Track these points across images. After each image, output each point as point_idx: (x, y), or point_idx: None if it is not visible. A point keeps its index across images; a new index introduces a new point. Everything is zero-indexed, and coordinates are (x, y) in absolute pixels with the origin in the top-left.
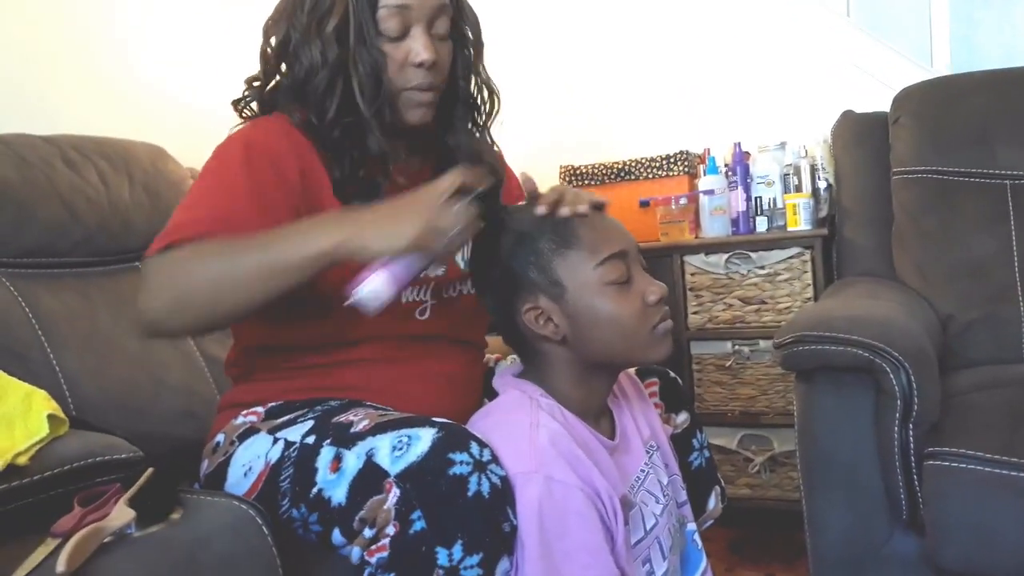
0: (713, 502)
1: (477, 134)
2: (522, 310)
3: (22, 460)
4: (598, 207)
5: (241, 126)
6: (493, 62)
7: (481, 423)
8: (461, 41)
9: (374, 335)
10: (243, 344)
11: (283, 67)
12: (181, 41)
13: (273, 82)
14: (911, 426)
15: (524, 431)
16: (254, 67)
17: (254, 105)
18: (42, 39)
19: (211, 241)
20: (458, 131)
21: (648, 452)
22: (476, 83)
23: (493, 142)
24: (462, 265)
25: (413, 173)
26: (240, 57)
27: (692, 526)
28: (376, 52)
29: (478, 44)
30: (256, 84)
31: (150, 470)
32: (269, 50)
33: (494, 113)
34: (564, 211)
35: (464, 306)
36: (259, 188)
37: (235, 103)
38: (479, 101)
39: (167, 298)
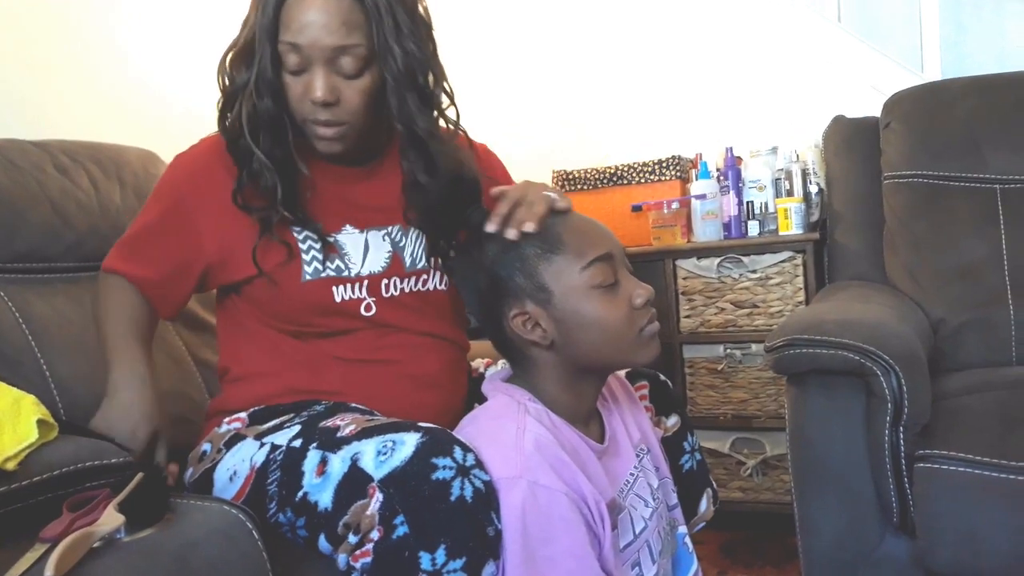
0: (705, 504)
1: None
2: (509, 316)
3: (11, 465)
4: (561, 211)
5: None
6: (485, 67)
7: (469, 428)
8: (381, 79)
9: (329, 331)
10: (228, 324)
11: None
12: (177, 45)
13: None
14: (902, 429)
15: (511, 436)
16: None
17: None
18: (34, 44)
19: (110, 293)
20: (411, 163)
21: (638, 455)
22: (429, 92)
23: (471, 141)
24: (407, 262)
25: (376, 169)
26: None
27: (683, 529)
28: (273, 81)
29: (424, 54)
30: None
31: (140, 475)
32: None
33: (454, 115)
34: (510, 234)
35: (417, 303)
36: (163, 220)
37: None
38: (436, 109)
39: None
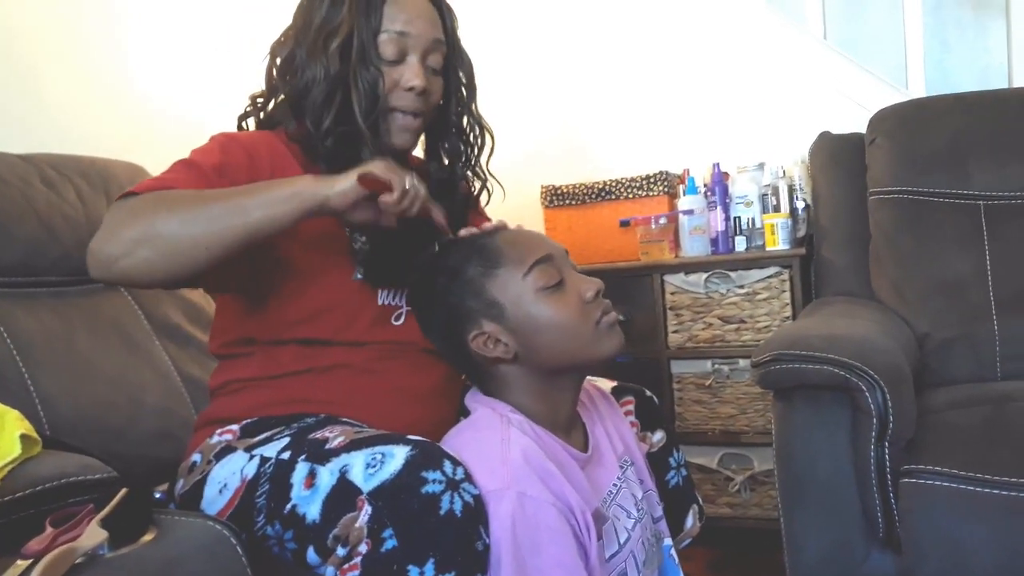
0: (691, 520)
1: (466, 169)
2: (469, 339)
3: None
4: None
5: None
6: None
7: (453, 441)
8: (454, 79)
9: (349, 340)
10: (224, 339)
11: (282, 83)
12: (172, 57)
13: (275, 100)
14: (887, 444)
15: (495, 448)
16: (243, 88)
17: (251, 121)
18: (22, 57)
19: (173, 191)
20: (451, 163)
21: (622, 467)
22: (468, 121)
23: (486, 177)
24: None
25: None
26: (229, 74)
27: (669, 541)
28: (375, 70)
29: (471, 85)
30: (259, 101)
31: (124, 490)
32: (275, 69)
33: (487, 150)
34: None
35: None
36: (227, 169)
37: (240, 118)
38: (471, 137)
39: (131, 231)
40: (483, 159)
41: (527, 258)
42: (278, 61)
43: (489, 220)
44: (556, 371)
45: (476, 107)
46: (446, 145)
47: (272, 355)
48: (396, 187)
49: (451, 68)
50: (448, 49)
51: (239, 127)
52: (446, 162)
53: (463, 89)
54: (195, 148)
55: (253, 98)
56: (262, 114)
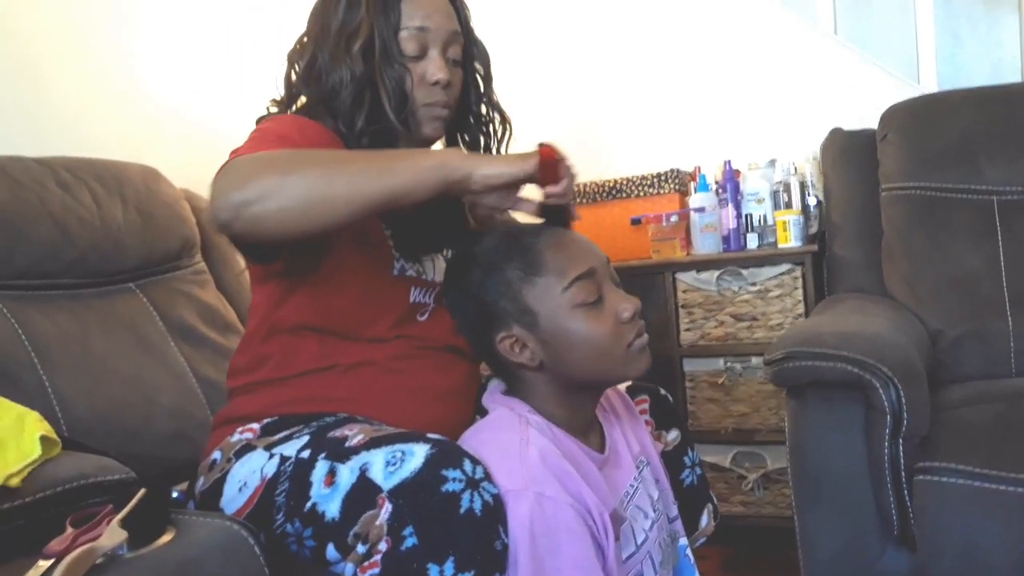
0: (705, 519)
1: None
2: (497, 340)
3: (14, 482)
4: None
5: None
6: None
7: (471, 440)
8: (472, 70)
9: (374, 336)
10: (255, 335)
11: (306, 89)
12: (184, 61)
13: (295, 104)
14: (901, 441)
15: (514, 448)
16: (255, 91)
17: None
18: (37, 61)
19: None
20: (474, 150)
21: (638, 467)
22: (487, 110)
23: None
24: None
25: None
26: (238, 76)
27: (684, 541)
28: (400, 68)
29: (488, 75)
30: (279, 106)
31: (142, 491)
32: (294, 75)
33: (506, 138)
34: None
35: None
36: (315, 146)
37: (259, 121)
38: (491, 128)
39: (268, 179)
40: (503, 148)
41: (570, 271)
42: (297, 68)
43: None
44: (579, 385)
45: (495, 95)
46: (467, 136)
47: (294, 348)
48: (567, 175)
49: (469, 59)
50: (465, 40)
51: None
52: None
53: (480, 79)
54: (266, 124)
55: (275, 103)
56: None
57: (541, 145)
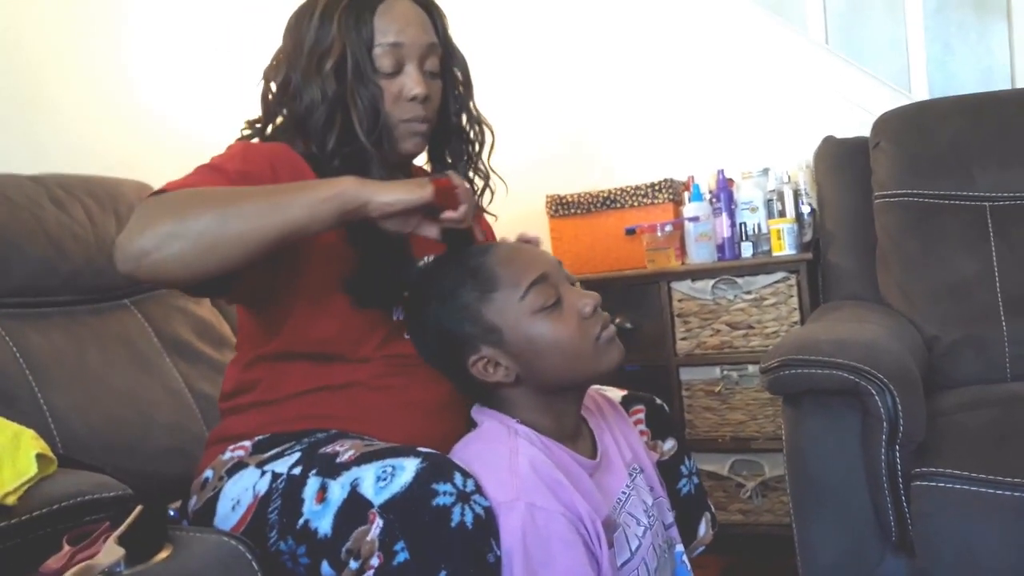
0: (703, 528)
1: (470, 168)
2: (469, 364)
3: (11, 500)
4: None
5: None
6: (479, 92)
7: (461, 453)
8: (451, 80)
9: (360, 356)
10: (241, 360)
11: (283, 108)
12: (174, 75)
13: (273, 124)
14: (898, 447)
15: (504, 459)
16: (250, 105)
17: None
18: (31, 78)
19: (207, 188)
20: (451, 165)
21: (631, 475)
22: (467, 119)
23: (489, 175)
24: None
25: None
26: (235, 92)
27: (680, 548)
28: (373, 87)
29: (467, 83)
30: (257, 126)
31: (139, 508)
32: (270, 95)
33: (488, 146)
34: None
35: None
36: (251, 176)
37: (239, 142)
38: (471, 136)
39: (164, 225)
40: (484, 156)
41: (523, 279)
42: (273, 86)
43: (485, 220)
44: (559, 389)
45: (474, 104)
46: (448, 147)
47: (281, 372)
48: (465, 200)
49: (447, 69)
50: (443, 50)
51: None
52: (450, 163)
53: (460, 87)
54: (216, 155)
55: (250, 124)
56: (262, 136)
57: (438, 175)
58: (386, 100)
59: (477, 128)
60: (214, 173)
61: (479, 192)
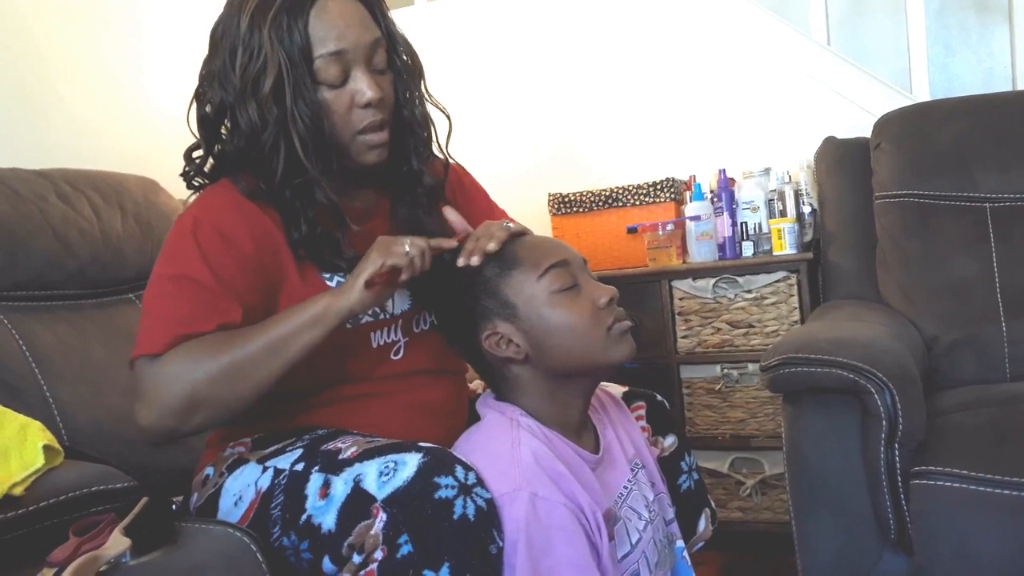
0: (703, 524)
1: (428, 159)
2: (483, 338)
3: (18, 491)
4: (517, 235)
5: (192, 198)
6: (481, 92)
7: (463, 445)
8: (398, 71)
9: (352, 377)
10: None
11: (216, 138)
12: (178, 73)
13: (216, 148)
14: (897, 446)
15: (506, 451)
16: None
17: (197, 179)
18: (38, 72)
19: (199, 340)
20: (408, 158)
21: (633, 470)
22: (420, 107)
23: (447, 162)
24: None
25: (371, 210)
26: None
27: (681, 543)
28: (315, 106)
29: (415, 69)
30: (197, 156)
31: (145, 499)
32: (205, 117)
33: (447, 132)
34: (473, 260)
35: (438, 337)
36: (219, 271)
37: (182, 176)
38: (428, 125)
39: (178, 401)
40: (445, 144)
41: (543, 261)
42: (208, 109)
43: (504, 213)
44: (567, 374)
45: (426, 89)
46: (406, 143)
47: (271, 409)
48: (403, 264)
49: (392, 60)
50: (387, 42)
51: (188, 186)
52: (414, 162)
53: (409, 76)
54: (167, 254)
55: (188, 155)
56: (204, 171)
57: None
58: (335, 113)
59: (426, 116)
60: (186, 290)
61: (445, 177)
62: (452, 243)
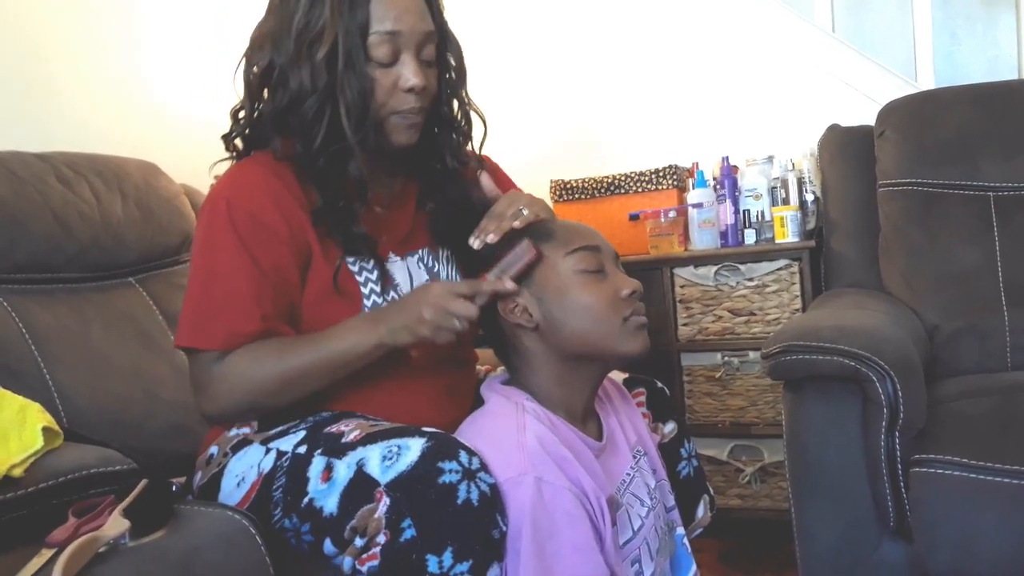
0: (702, 511)
1: (457, 162)
2: (499, 302)
3: (17, 472)
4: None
5: (217, 166)
6: (484, 78)
7: (468, 430)
8: (445, 68)
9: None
10: None
11: (262, 97)
12: (179, 57)
13: (257, 111)
14: (897, 434)
15: (511, 435)
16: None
17: (237, 142)
18: (37, 57)
19: (267, 345)
20: (442, 156)
21: (635, 456)
22: (460, 108)
23: (481, 163)
24: None
25: (396, 195)
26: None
27: (681, 530)
28: (364, 79)
29: (461, 71)
30: (241, 115)
31: (144, 481)
32: (252, 77)
33: (482, 137)
34: (474, 243)
35: None
36: (261, 259)
37: (224, 138)
38: (463, 125)
39: (239, 402)
40: (476, 146)
41: (574, 241)
42: (255, 70)
43: (511, 182)
44: (576, 356)
45: (466, 92)
46: (438, 139)
47: None
48: (452, 339)
49: (442, 56)
50: (439, 38)
51: (226, 147)
52: (449, 160)
53: (453, 74)
54: (208, 243)
55: (234, 114)
56: (245, 133)
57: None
58: (379, 91)
59: (468, 118)
60: (241, 276)
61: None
62: (503, 286)
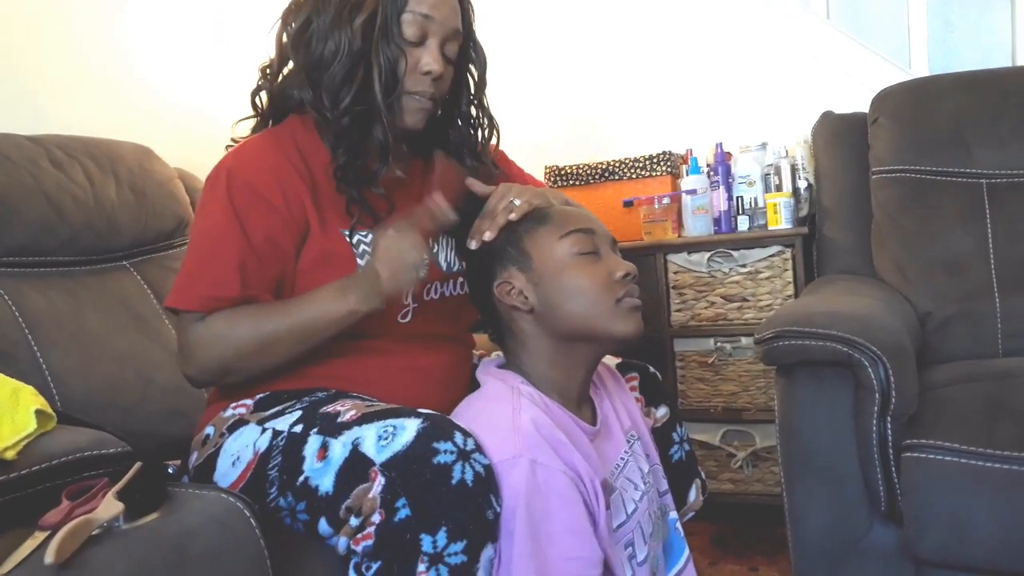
0: (693, 494)
1: (473, 159)
2: (495, 286)
3: (10, 455)
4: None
5: (249, 124)
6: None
7: (464, 412)
8: (466, 70)
9: (356, 333)
10: None
11: (294, 53)
12: (171, 40)
13: (286, 69)
14: (889, 419)
15: (506, 418)
16: (245, 69)
17: (263, 97)
18: (29, 38)
19: (243, 310)
20: (460, 153)
21: (629, 441)
22: (476, 112)
23: (495, 166)
24: (443, 267)
25: (402, 182)
26: (231, 57)
27: (674, 515)
28: (396, 49)
29: (482, 78)
30: (268, 72)
31: (138, 464)
32: (285, 36)
33: (494, 140)
34: (471, 244)
35: (446, 307)
36: (247, 223)
37: (252, 93)
38: (481, 123)
39: (213, 365)
40: (486, 150)
41: (570, 224)
42: (292, 27)
43: (525, 175)
44: (570, 337)
45: (486, 99)
46: (452, 135)
47: None
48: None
49: (465, 59)
50: (464, 40)
51: (252, 103)
52: (468, 160)
53: (474, 82)
54: (204, 210)
55: (263, 70)
56: (265, 92)
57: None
58: (401, 66)
59: (485, 122)
60: (221, 247)
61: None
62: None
